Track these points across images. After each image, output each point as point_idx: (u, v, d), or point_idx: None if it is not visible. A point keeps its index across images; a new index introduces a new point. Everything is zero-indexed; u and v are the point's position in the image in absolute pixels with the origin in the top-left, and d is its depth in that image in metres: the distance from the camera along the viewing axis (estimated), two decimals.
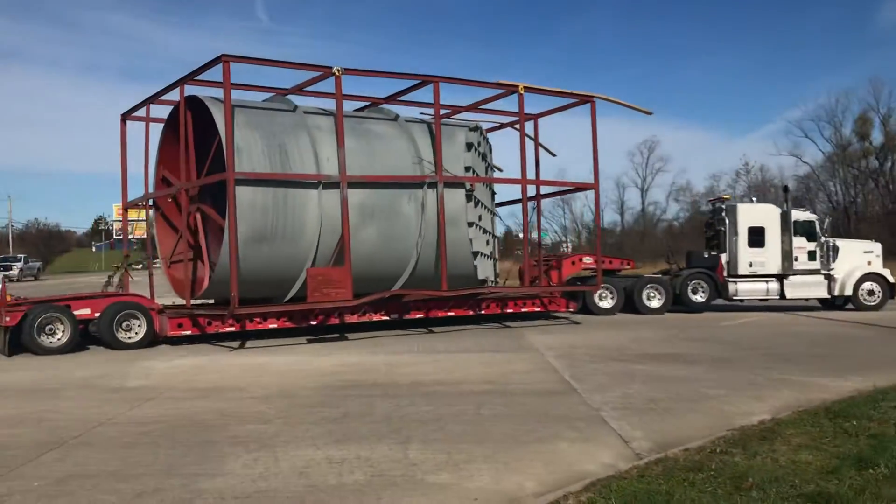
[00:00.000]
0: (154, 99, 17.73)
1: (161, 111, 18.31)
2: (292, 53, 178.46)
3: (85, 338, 15.63)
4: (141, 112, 18.42)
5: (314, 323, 16.69)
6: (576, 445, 7.45)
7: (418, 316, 18.08)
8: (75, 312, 15.08)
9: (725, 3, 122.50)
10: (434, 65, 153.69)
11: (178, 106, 16.68)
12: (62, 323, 14.86)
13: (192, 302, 16.75)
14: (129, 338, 15.41)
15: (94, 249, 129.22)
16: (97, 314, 15.30)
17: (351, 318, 17.17)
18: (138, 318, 15.55)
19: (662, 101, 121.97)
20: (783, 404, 9.05)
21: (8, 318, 14.47)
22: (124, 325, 15.42)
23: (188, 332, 15.82)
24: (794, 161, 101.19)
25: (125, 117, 18.83)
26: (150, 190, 18.61)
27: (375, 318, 17.58)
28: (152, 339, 15.67)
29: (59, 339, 14.80)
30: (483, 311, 19.25)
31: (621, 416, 8.62)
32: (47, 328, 14.71)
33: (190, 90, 16.42)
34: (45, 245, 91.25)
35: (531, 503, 5.53)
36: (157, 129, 18.50)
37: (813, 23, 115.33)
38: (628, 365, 12.55)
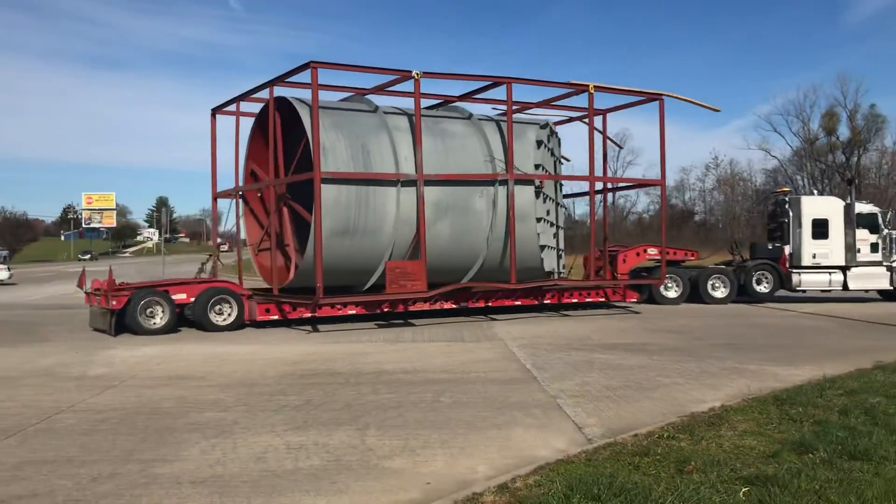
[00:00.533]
0: (244, 97, 18.78)
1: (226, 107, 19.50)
2: (264, 42, 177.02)
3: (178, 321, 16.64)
4: (216, 107, 19.84)
5: (387, 310, 17.84)
6: (530, 432, 7.61)
7: (485, 305, 19.02)
8: (173, 297, 16.38)
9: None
10: (405, 54, 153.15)
11: (267, 105, 17.89)
12: (161, 306, 16.16)
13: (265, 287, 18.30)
14: (223, 321, 16.65)
15: (62, 238, 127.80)
16: (192, 299, 16.57)
17: (422, 307, 18.13)
18: (230, 303, 16.81)
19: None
20: (735, 392, 9.28)
21: (114, 302, 15.70)
22: (217, 308, 16.66)
23: (275, 317, 17.03)
24: (763, 155, 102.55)
25: (215, 112, 19.98)
26: (241, 183, 19.76)
27: (446, 306, 18.54)
28: (241, 323, 16.86)
29: (158, 321, 16.11)
30: (547, 301, 20.04)
31: (577, 404, 8.80)
32: (148, 311, 16.02)
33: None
34: (12, 234, 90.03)
35: (481, 486, 5.65)
36: (224, 123, 20.03)
37: (783, 19, 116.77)
38: (589, 354, 12.75)
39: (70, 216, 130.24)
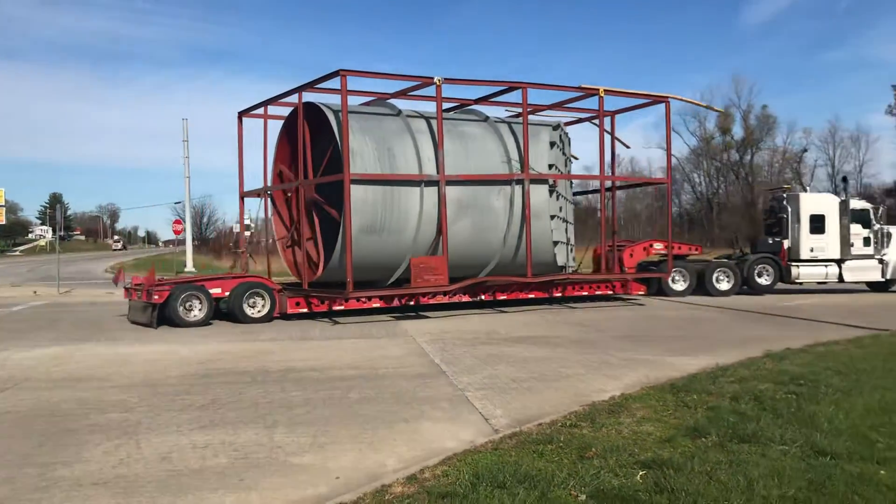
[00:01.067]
0: (273, 101, 19.68)
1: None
2: (170, 35, 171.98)
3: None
4: (243, 110, 20.83)
5: (403, 304, 18.97)
6: (439, 425, 7.74)
7: (500, 298, 20.10)
8: (210, 291, 17.30)
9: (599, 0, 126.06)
10: (314, 50, 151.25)
11: (295, 110, 18.97)
12: (200, 300, 17.18)
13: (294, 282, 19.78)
14: (256, 313, 17.69)
15: None
16: (227, 293, 17.59)
17: (440, 300, 19.14)
18: (263, 297, 17.86)
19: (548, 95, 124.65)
20: (634, 381, 9.65)
21: (157, 297, 16.69)
22: (250, 302, 17.70)
23: (304, 310, 18.03)
24: (662, 153, 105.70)
25: (242, 115, 20.85)
26: (269, 183, 20.83)
27: (464, 299, 19.55)
28: (272, 316, 17.87)
29: (197, 314, 17.12)
30: (558, 294, 21.05)
31: (484, 396, 8.98)
32: (187, 304, 17.04)
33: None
34: None
35: (390, 478, 5.74)
36: (250, 126, 21.80)
37: (682, 20, 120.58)
38: (497, 347, 12.99)
39: None
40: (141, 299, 17.34)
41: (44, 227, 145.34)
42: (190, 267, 44.24)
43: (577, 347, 12.99)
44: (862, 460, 5.89)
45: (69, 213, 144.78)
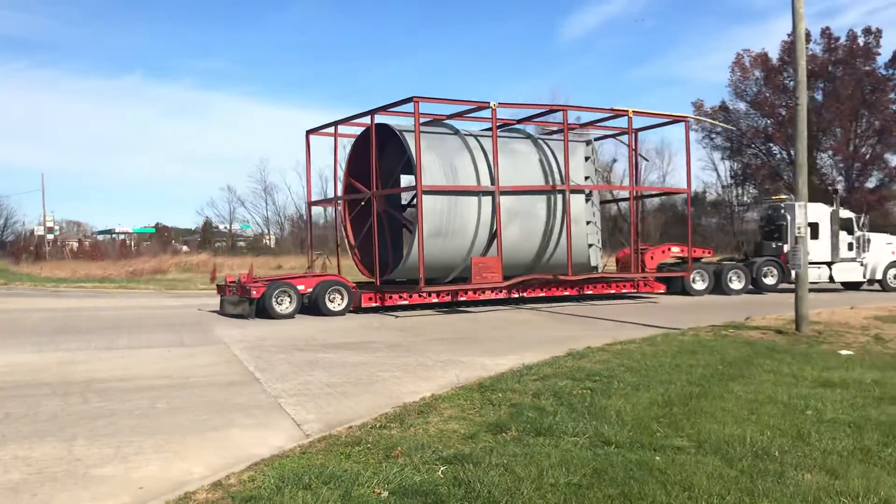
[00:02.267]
0: (344, 122, 23.14)
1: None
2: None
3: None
4: (311, 129, 24.15)
5: (464, 299, 21.85)
6: (249, 432, 7.72)
7: (541, 294, 22.93)
8: (297, 287, 19.78)
9: (430, 3, 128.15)
10: (128, 44, 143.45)
11: (367, 129, 22.05)
12: (289, 296, 19.60)
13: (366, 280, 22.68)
14: (336, 307, 20.08)
15: None
16: (310, 289, 20.01)
17: (490, 296, 22.12)
18: (341, 293, 20.31)
19: (364, 95, 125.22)
20: (446, 382, 10.01)
21: (255, 292, 19.18)
22: (331, 297, 20.12)
23: (375, 304, 20.84)
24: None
25: (310, 133, 24.18)
26: (339, 193, 24.60)
27: (514, 295, 22.45)
28: (349, 310, 20.29)
29: (287, 307, 19.49)
30: (591, 291, 23.84)
31: (298, 402, 9.02)
32: (279, 299, 19.42)
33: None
34: None
35: (195, 486, 5.69)
36: (321, 143, 26.63)
37: (505, 31, 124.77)
38: (313, 354, 13.02)
39: None
40: (237, 294, 19.81)
41: None
42: None
43: (396, 351, 13.28)
44: (642, 448, 6.48)
45: None
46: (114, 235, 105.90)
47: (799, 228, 14.90)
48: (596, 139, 26.55)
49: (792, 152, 38.46)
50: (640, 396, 8.57)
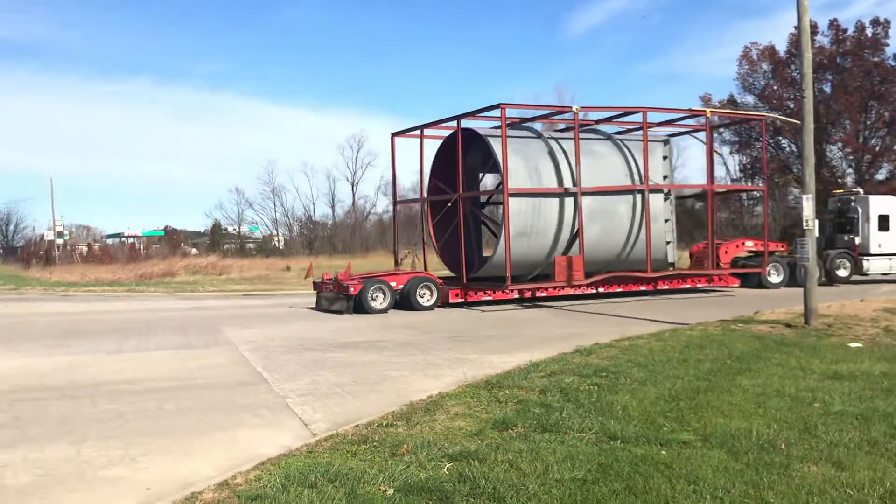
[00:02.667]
0: (430, 126, 24.54)
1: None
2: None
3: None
4: (397, 132, 25.96)
5: (544, 294, 22.59)
6: (257, 431, 7.75)
7: (618, 289, 23.55)
8: (391, 284, 20.93)
9: (431, 2, 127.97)
10: (118, 47, 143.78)
11: (453, 133, 23.35)
12: (383, 292, 20.77)
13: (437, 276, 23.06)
14: (425, 301, 21.20)
15: None
16: (401, 286, 21.19)
17: (566, 292, 22.47)
18: (430, 289, 21.43)
19: (370, 95, 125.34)
20: (453, 380, 10.03)
21: (352, 289, 20.43)
22: (420, 293, 21.21)
23: (461, 300, 21.97)
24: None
25: (395, 136, 25.87)
26: (426, 194, 25.45)
27: (589, 291, 22.83)
28: (438, 305, 21.40)
29: (381, 303, 20.63)
30: (667, 286, 24.54)
31: (305, 402, 9.05)
32: (374, 295, 20.59)
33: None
34: None
35: (202, 485, 5.72)
36: (406, 144, 27.43)
37: (508, 28, 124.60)
38: (321, 354, 13.05)
39: None
40: (334, 291, 21.04)
41: None
42: None
43: (404, 350, 13.28)
44: (648, 443, 6.47)
45: None
46: (123, 239, 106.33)
47: (806, 221, 14.81)
48: (670, 136, 26.93)
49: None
50: (646, 391, 8.56)
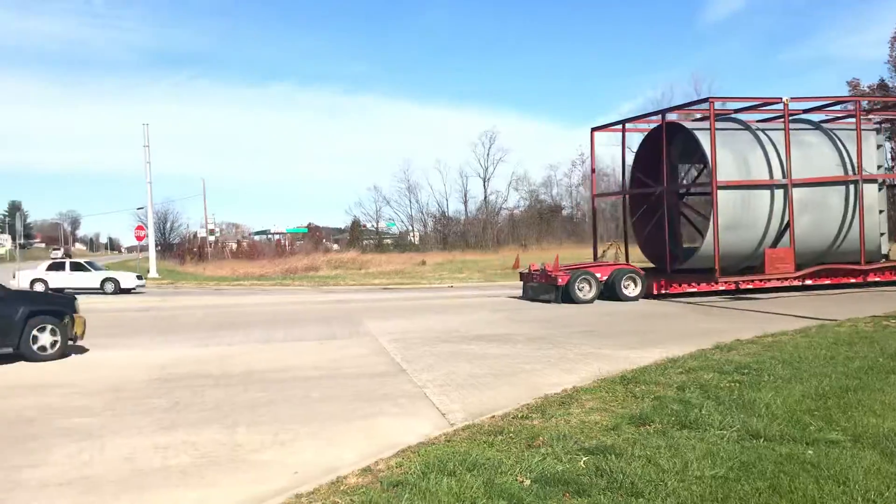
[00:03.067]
0: (632, 120, 25.65)
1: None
2: (125, 38, 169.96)
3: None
4: (597, 126, 26.74)
5: (749, 287, 22.85)
6: (397, 420, 7.99)
7: (826, 282, 23.21)
8: (596, 275, 21.69)
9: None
10: (266, 51, 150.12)
11: (657, 127, 24.01)
12: (589, 283, 21.52)
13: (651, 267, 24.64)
14: (630, 293, 21.65)
15: None
16: (606, 276, 21.87)
17: (775, 284, 22.65)
18: (635, 280, 21.91)
19: (501, 92, 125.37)
20: (588, 375, 9.97)
21: (560, 280, 21.37)
22: (625, 284, 21.74)
23: (664, 291, 22.31)
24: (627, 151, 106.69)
25: (595, 130, 26.69)
26: (627, 187, 26.49)
27: (795, 283, 22.82)
28: (643, 296, 21.84)
29: (587, 293, 21.38)
30: (878, 279, 23.63)
31: (442, 392, 9.25)
32: (580, 286, 21.42)
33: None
34: None
35: (345, 471, 5.98)
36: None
37: (642, 18, 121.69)
38: (457, 346, 13.27)
39: None
40: (542, 282, 22.12)
41: (3, 236, 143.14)
42: (154, 273, 43.96)
43: (537, 344, 13.30)
44: (793, 441, 6.24)
45: (28, 221, 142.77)
46: (269, 236, 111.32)
47: None
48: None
49: None
50: (791, 389, 8.23)
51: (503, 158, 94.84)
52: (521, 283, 24.07)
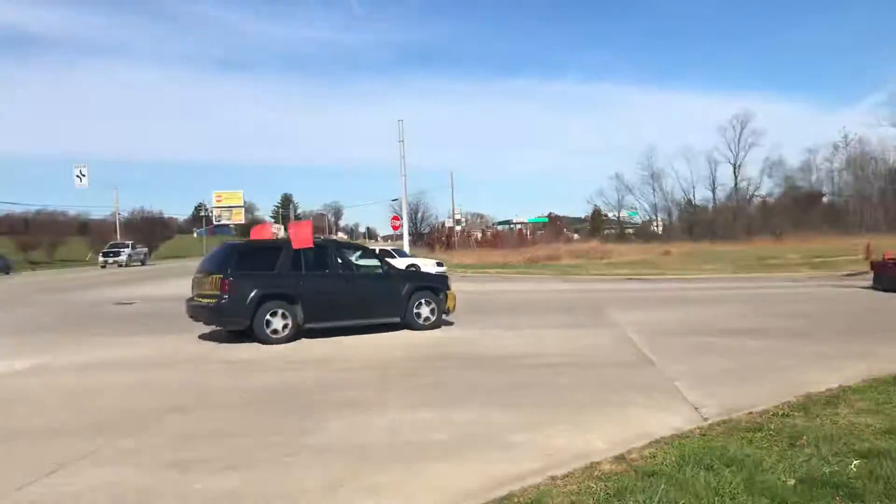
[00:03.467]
0: None
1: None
2: (384, 38, 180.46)
3: None
4: None
5: None
6: (647, 411, 7.93)
7: None
8: None
9: None
10: (520, 47, 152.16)
11: None
12: None
13: None
14: None
15: (195, 235, 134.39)
16: None
17: None
18: None
19: (752, 74, 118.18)
20: (854, 374, 9.25)
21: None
22: None
23: None
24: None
25: None
26: None
27: None
28: None
29: None
30: None
31: (694, 386, 9.02)
32: None
33: None
34: (150, 232, 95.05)
35: (599, 457, 6.05)
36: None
37: None
38: (706, 338, 12.85)
39: (201, 214, 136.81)
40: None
41: (277, 225, 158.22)
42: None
43: (793, 339, 12.56)
44: None
45: (298, 211, 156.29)
46: (511, 226, 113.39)
47: None
48: None
49: None
50: None
51: (756, 143, 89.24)
52: (872, 272, 23.44)
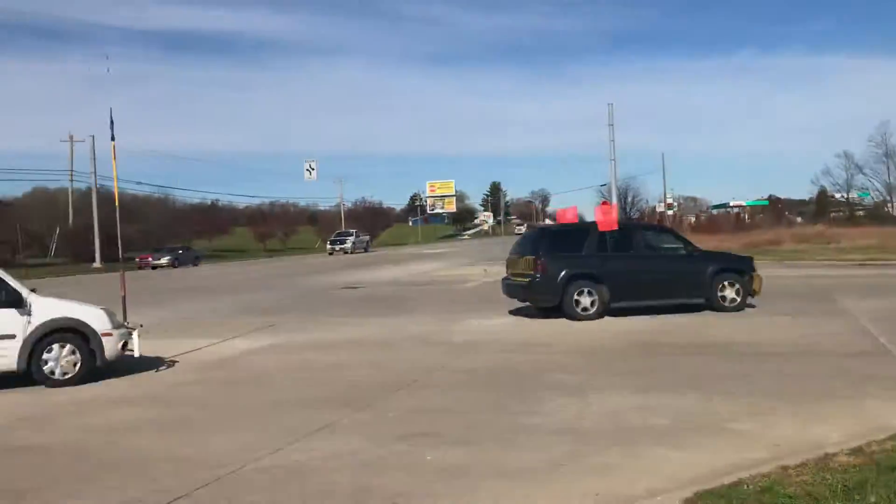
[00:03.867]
0: None
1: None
2: (593, 23, 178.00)
3: None
4: None
5: None
6: (885, 403, 7.40)
7: None
8: None
9: None
10: (735, 16, 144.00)
11: None
12: None
13: None
14: None
15: (410, 224, 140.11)
16: None
17: None
18: None
19: None
20: None
21: None
22: None
23: None
24: None
25: None
26: None
27: None
28: None
29: None
30: None
31: None
32: None
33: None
34: (371, 221, 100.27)
35: (834, 448, 5.76)
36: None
37: None
38: None
39: (416, 203, 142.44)
40: None
41: (486, 213, 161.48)
42: None
43: None
44: None
45: (507, 199, 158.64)
46: (728, 209, 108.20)
47: None
48: None
49: None
50: None
51: None
52: None
